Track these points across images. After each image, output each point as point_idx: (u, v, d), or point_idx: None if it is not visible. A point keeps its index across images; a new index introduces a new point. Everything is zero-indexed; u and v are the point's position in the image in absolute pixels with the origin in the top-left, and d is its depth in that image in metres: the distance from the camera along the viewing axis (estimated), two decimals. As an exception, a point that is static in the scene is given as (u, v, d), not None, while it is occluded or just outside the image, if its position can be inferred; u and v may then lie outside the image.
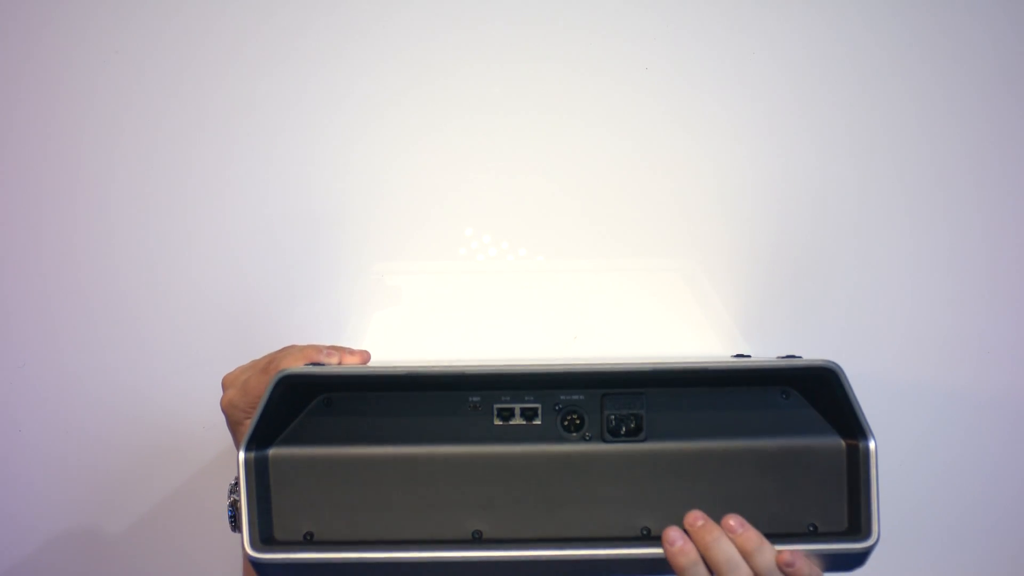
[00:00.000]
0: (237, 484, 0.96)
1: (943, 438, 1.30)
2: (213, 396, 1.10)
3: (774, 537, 0.95)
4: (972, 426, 1.30)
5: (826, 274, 1.29)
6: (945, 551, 1.31)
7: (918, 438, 1.29)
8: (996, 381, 1.30)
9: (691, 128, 1.29)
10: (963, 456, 1.30)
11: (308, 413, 0.98)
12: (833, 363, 0.95)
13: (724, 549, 0.93)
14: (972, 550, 1.31)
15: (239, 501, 0.95)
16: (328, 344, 1.12)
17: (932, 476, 1.30)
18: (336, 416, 0.99)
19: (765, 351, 1.28)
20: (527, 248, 1.29)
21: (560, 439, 0.99)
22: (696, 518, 0.95)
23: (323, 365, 1.02)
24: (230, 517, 0.97)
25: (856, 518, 0.97)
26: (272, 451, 0.97)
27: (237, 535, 0.96)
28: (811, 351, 1.25)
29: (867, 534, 0.95)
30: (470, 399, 0.99)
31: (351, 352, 1.09)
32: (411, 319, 1.29)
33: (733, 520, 0.95)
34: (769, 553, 0.93)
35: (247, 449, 0.95)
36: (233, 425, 1.09)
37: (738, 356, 1.25)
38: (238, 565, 1.29)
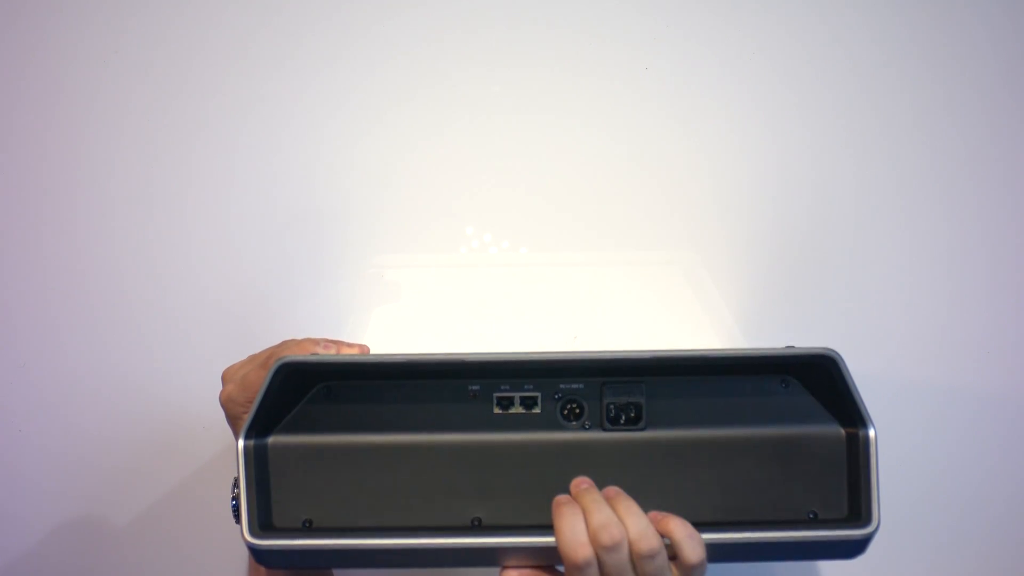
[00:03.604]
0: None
1: (943, 435, 1.30)
2: (214, 393, 1.10)
3: (774, 524, 0.96)
4: (972, 423, 1.30)
5: (826, 270, 1.29)
6: (945, 548, 1.30)
7: (918, 435, 1.29)
8: (996, 379, 1.30)
9: (691, 127, 1.29)
10: (963, 453, 1.30)
11: (308, 401, 0.98)
12: (832, 351, 0.95)
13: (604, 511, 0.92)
14: (972, 547, 1.30)
15: (239, 490, 0.95)
16: (326, 338, 1.12)
17: (932, 473, 1.30)
18: (336, 404, 0.99)
19: (764, 346, 1.28)
20: (527, 245, 1.30)
21: (560, 428, 0.99)
22: (582, 482, 0.95)
23: (322, 355, 1.02)
24: (234, 510, 0.97)
25: (856, 505, 0.96)
26: (271, 439, 0.97)
27: (238, 529, 0.96)
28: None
29: (867, 521, 0.95)
30: (470, 387, 0.99)
31: (349, 346, 1.10)
32: (411, 315, 1.29)
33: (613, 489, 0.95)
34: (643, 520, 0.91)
35: (246, 437, 0.95)
36: (232, 419, 1.09)
37: (738, 352, 1.25)
38: (239, 562, 1.29)
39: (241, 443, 0.95)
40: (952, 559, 1.31)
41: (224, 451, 1.29)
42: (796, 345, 1.24)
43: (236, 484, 0.96)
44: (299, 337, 1.15)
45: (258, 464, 0.95)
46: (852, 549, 0.96)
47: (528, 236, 1.29)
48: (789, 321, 1.29)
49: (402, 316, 1.29)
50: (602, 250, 1.29)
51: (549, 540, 0.93)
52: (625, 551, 0.89)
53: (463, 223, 1.29)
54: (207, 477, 1.30)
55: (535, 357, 0.97)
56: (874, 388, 1.27)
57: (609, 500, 0.92)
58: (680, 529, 0.91)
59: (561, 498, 0.93)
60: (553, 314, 1.29)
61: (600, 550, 0.89)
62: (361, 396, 0.99)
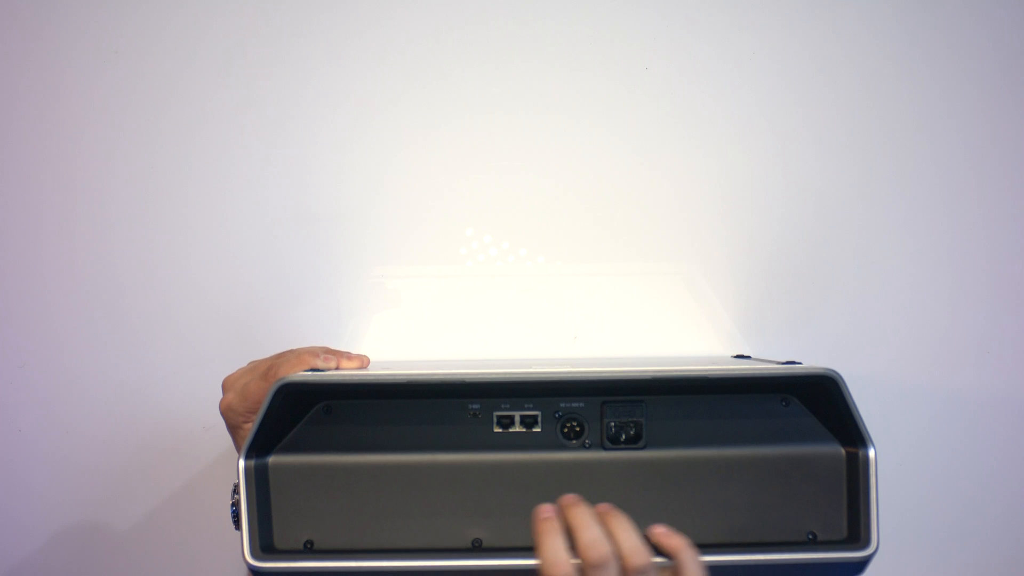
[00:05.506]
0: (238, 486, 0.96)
1: (943, 439, 1.30)
2: (213, 396, 1.10)
3: (773, 546, 0.96)
4: (972, 427, 1.30)
5: (826, 276, 1.29)
6: (944, 551, 1.31)
7: (918, 439, 1.30)
8: (996, 381, 1.30)
9: (691, 128, 1.29)
10: (962, 457, 1.30)
11: (308, 421, 0.98)
12: (833, 371, 0.95)
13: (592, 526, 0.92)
14: (971, 550, 1.31)
15: (240, 505, 0.95)
16: (327, 347, 1.12)
17: (931, 477, 1.30)
18: (336, 424, 0.98)
19: (765, 353, 1.28)
20: (528, 249, 1.29)
21: (560, 447, 0.99)
22: (569, 499, 0.94)
23: (322, 372, 1.02)
24: (233, 516, 0.97)
25: (855, 526, 0.96)
26: (272, 459, 0.97)
27: (238, 534, 0.96)
28: (811, 353, 1.26)
29: (866, 543, 0.95)
30: (470, 407, 0.99)
31: (349, 357, 1.10)
32: (411, 320, 1.29)
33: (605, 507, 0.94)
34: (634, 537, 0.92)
35: (247, 457, 0.95)
36: (231, 429, 1.09)
37: (738, 356, 1.25)
38: (238, 563, 1.29)
39: (242, 463, 0.95)
40: (951, 562, 1.31)
41: (223, 453, 1.29)
42: (797, 352, 1.25)
43: (236, 490, 0.96)
44: (298, 343, 1.15)
45: (259, 484, 0.95)
46: (850, 571, 0.96)
47: (527, 239, 1.29)
48: (789, 323, 1.29)
49: (401, 319, 1.29)
50: (600, 252, 1.29)
51: None
52: (612, 569, 0.89)
53: (463, 225, 1.29)
54: (207, 479, 1.30)
55: (535, 376, 0.97)
56: (874, 392, 1.28)
57: (601, 516, 0.92)
58: (685, 550, 0.91)
59: (543, 512, 0.93)
60: (553, 318, 1.29)
61: (588, 568, 0.89)
62: (361, 415, 0.99)
